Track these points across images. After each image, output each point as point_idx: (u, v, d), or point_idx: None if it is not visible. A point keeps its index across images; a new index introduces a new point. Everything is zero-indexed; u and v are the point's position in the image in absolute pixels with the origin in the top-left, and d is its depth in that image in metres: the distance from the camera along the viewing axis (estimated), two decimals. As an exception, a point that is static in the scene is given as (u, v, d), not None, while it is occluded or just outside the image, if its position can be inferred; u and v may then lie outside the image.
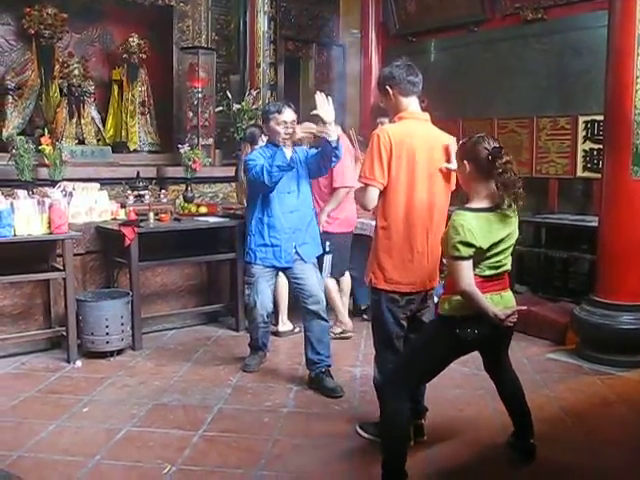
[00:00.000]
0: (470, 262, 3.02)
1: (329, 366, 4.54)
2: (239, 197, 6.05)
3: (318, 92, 4.13)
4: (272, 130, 4.51)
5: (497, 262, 3.12)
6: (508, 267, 3.21)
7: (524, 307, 3.21)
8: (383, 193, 3.44)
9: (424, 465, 3.45)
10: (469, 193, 3.20)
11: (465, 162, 3.15)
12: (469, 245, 2.98)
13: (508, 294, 3.25)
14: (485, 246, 3.03)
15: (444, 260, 3.55)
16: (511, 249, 3.19)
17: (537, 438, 3.51)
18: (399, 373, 3.30)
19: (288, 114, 4.46)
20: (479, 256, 3.04)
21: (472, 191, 3.16)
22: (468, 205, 3.14)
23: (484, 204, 3.10)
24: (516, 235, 3.21)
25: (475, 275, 3.06)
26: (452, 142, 3.49)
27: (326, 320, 4.60)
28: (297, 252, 4.54)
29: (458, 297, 3.07)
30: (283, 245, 4.52)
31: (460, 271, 3.01)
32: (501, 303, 3.14)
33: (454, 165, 3.42)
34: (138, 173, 6.27)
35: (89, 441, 3.71)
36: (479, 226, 3.01)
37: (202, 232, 5.83)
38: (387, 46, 8.27)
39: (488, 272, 3.11)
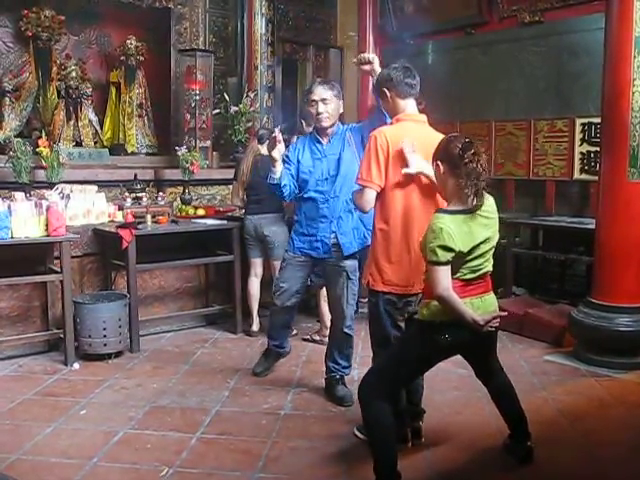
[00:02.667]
0: (448, 267, 2.96)
1: (344, 375, 4.48)
2: (233, 199, 6.00)
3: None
4: (310, 113, 4.31)
5: (478, 265, 3.08)
6: (489, 269, 3.17)
7: (504, 313, 3.14)
8: (380, 195, 3.45)
9: (421, 467, 3.45)
10: (447, 196, 3.16)
11: (439, 162, 3.11)
12: (448, 249, 2.93)
13: (490, 297, 3.20)
14: (465, 250, 2.98)
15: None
16: (492, 251, 3.15)
17: (534, 440, 3.51)
18: (379, 376, 3.26)
19: (317, 92, 4.24)
20: (459, 260, 3.00)
21: (449, 193, 3.12)
22: (447, 207, 3.11)
23: (462, 206, 3.05)
24: (497, 237, 3.16)
25: (455, 279, 3.02)
26: (405, 145, 3.38)
27: (348, 332, 4.44)
28: (337, 242, 4.28)
29: (437, 302, 3.02)
30: (319, 234, 4.32)
31: (437, 276, 2.96)
32: (482, 307, 3.09)
33: (413, 169, 3.36)
34: (135, 175, 6.27)
35: (86, 443, 3.70)
36: (458, 229, 2.97)
37: (200, 234, 5.84)
38: (384, 48, 8.27)
39: (469, 276, 3.07)
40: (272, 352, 4.85)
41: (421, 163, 3.37)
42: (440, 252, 2.93)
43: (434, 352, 3.18)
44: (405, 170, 3.38)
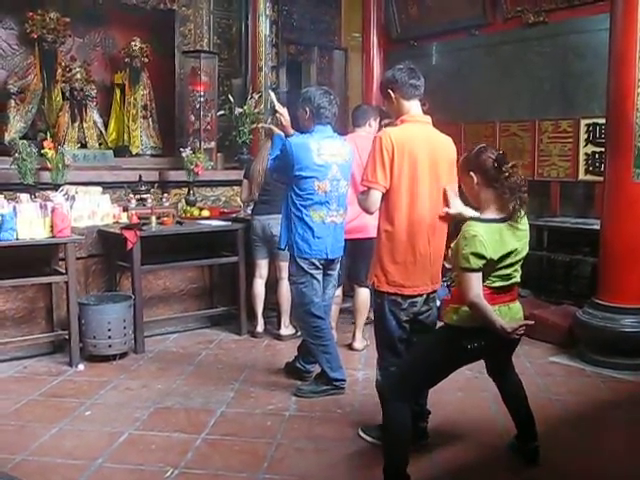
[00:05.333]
0: (479, 274, 3.00)
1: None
2: (243, 194, 5.98)
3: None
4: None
5: (507, 274, 3.11)
6: (518, 279, 3.19)
7: (531, 322, 3.13)
8: (386, 196, 3.45)
9: (426, 468, 3.44)
10: (478, 205, 3.19)
11: (471, 173, 3.14)
12: (480, 257, 2.96)
13: (516, 305, 3.23)
14: (495, 257, 3.01)
15: (445, 263, 3.57)
16: (521, 262, 3.17)
17: (540, 441, 3.51)
18: (402, 377, 3.30)
19: None
20: (489, 267, 3.02)
21: (481, 202, 3.16)
22: (480, 216, 3.14)
23: (495, 215, 3.09)
24: (527, 248, 3.18)
25: (484, 287, 3.04)
26: (448, 187, 3.49)
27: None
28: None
29: (466, 308, 3.05)
30: None
31: (469, 282, 2.99)
32: (509, 315, 3.13)
33: (454, 210, 3.45)
34: (140, 177, 6.27)
35: (91, 444, 3.71)
36: (490, 237, 3.00)
37: (204, 235, 5.84)
38: (389, 50, 8.27)
39: (498, 284, 3.10)
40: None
41: (460, 207, 3.45)
42: (472, 259, 2.96)
43: (461, 357, 3.22)
44: (445, 209, 3.47)
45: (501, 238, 3.04)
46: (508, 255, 3.07)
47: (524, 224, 3.16)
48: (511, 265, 3.11)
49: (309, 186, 4.30)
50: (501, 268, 3.07)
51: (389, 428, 3.25)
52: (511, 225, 3.09)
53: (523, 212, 3.10)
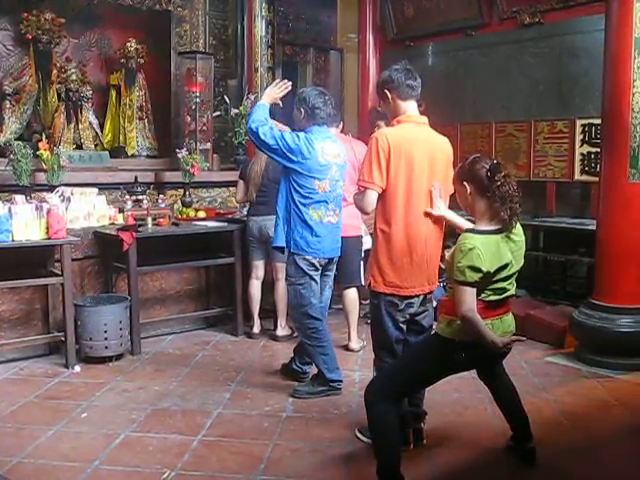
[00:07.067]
0: (474, 289, 2.96)
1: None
2: (238, 195, 5.94)
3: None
4: None
5: (502, 288, 3.08)
6: (512, 292, 3.17)
7: (523, 338, 3.13)
8: (382, 196, 3.45)
9: (423, 469, 3.45)
10: (473, 216, 3.17)
11: (465, 183, 3.12)
12: (477, 270, 2.92)
13: (509, 318, 3.21)
14: (492, 270, 2.98)
15: (442, 264, 3.57)
16: (516, 275, 3.15)
17: (536, 441, 3.51)
18: (388, 380, 3.29)
19: None
20: (486, 281, 2.99)
21: (476, 213, 3.13)
22: (475, 227, 3.11)
23: (491, 226, 3.06)
24: (522, 261, 3.16)
25: (479, 300, 3.01)
26: (435, 187, 3.47)
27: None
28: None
29: (460, 322, 3.03)
30: None
31: (463, 296, 2.95)
32: (501, 328, 3.11)
33: (435, 211, 3.44)
34: (136, 178, 6.26)
35: (88, 446, 3.70)
36: (487, 250, 2.96)
37: (200, 237, 5.84)
38: (385, 50, 8.27)
39: (492, 298, 3.07)
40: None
41: (444, 209, 3.47)
42: (468, 273, 2.93)
43: (448, 368, 3.23)
44: (428, 209, 3.45)
45: (498, 250, 3.01)
46: (504, 268, 3.03)
47: (519, 235, 3.14)
48: (507, 278, 3.08)
49: (310, 184, 4.29)
50: (497, 281, 3.04)
51: (377, 430, 3.23)
52: (507, 237, 3.06)
53: (515, 223, 3.07)
